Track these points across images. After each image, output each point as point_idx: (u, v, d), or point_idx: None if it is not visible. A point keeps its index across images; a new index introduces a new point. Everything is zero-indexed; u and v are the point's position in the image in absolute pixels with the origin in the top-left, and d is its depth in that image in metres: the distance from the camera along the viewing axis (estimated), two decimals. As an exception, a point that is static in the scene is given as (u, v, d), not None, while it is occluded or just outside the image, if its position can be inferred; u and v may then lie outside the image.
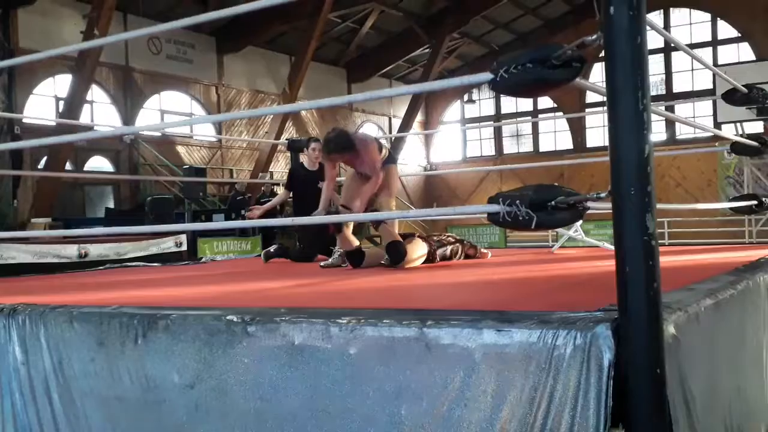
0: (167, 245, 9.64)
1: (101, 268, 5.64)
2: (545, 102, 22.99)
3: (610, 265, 1.61)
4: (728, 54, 20.26)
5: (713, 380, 2.06)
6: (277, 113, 18.05)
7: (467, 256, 4.72)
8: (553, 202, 1.75)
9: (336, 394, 1.80)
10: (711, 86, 18.79)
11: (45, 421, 2.27)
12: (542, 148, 23.45)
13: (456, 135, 24.95)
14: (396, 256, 4.15)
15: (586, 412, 1.52)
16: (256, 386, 1.90)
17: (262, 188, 15.38)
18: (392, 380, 1.73)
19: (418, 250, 4.31)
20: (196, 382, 1.99)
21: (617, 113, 1.55)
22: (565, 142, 22.96)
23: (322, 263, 4.65)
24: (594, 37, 1.66)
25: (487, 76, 1.82)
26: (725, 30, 20.61)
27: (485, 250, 4.99)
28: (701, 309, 1.97)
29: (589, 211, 1.84)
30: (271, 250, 5.75)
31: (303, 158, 6.32)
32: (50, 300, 2.57)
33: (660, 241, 1.74)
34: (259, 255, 7.31)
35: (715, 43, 20.72)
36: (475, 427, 1.63)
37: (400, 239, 4.26)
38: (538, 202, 1.75)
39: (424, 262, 4.35)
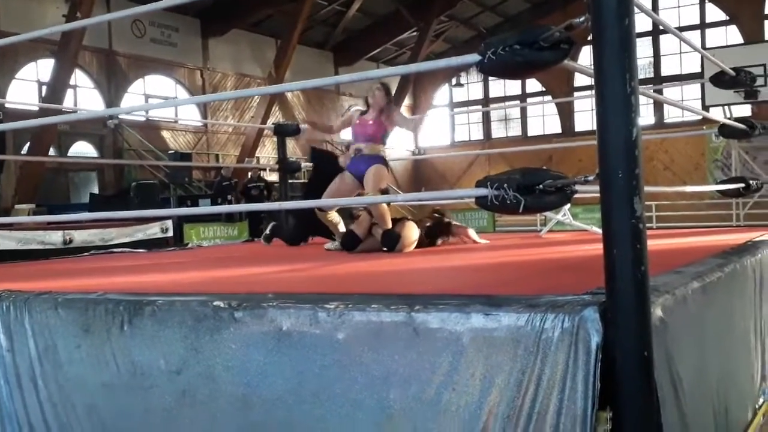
0: (153, 231, 9.59)
1: (86, 254, 5.60)
2: (534, 86, 22.96)
3: (598, 248, 1.61)
4: (716, 37, 20.30)
5: (701, 362, 2.07)
6: (262, 94, 17.92)
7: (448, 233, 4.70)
8: (540, 186, 1.74)
9: (324, 379, 1.79)
10: (699, 69, 18.81)
11: (31, 407, 2.25)
12: (531, 132, 23.45)
13: (444, 119, 24.90)
14: (389, 243, 4.20)
15: (573, 394, 1.52)
16: (244, 372, 1.89)
17: (249, 173, 15.32)
18: (380, 365, 1.73)
19: (411, 234, 4.35)
20: (183, 368, 1.98)
21: (605, 96, 1.55)
22: (554, 126, 22.97)
23: (326, 246, 4.65)
24: (582, 18, 1.65)
25: (475, 57, 1.80)
26: (713, 13, 20.63)
27: (472, 235, 4.91)
28: (689, 292, 1.97)
29: (577, 195, 1.84)
30: (267, 232, 5.72)
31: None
32: (35, 286, 2.54)
33: (648, 225, 1.73)
34: (247, 240, 7.27)
35: (703, 26, 20.74)
36: (464, 411, 1.63)
37: (390, 228, 4.30)
38: (525, 186, 1.75)
39: (415, 247, 4.37)
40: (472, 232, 4.86)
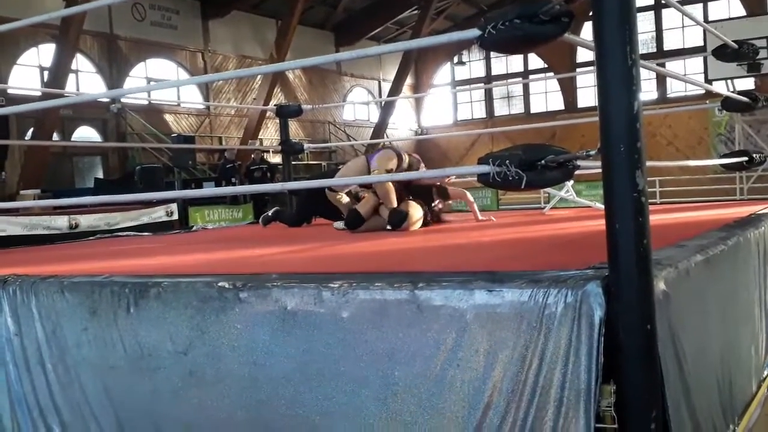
0: (158, 215, 9.61)
1: (92, 238, 5.61)
2: (536, 62, 22.83)
3: (602, 224, 1.61)
4: (719, 10, 20.12)
5: (704, 335, 2.07)
6: (263, 73, 17.86)
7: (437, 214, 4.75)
8: (542, 161, 1.74)
9: (329, 357, 1.80)
10: (701, 43, 18.68)
11: (40, 391, 2.27)
12: (533, 110, 23.36)
13: (446, 98, 24.80)
14: (396, 220, 4.22)
15: (577, 369, 1.52)
16: (250, 351, 1.91)
17: (252, 155, 15.30)
18: (385, 343, 1.74)
19: (416, 213, 4.38)
20: (190, 348, 2.00)
21: (606, 69, 1.54)
22: (557, 102, 22.87)
23: (335, 224, 4.70)
24: (582, -9, 1.64)
25: (475, 32, 1.79)
26: (716, -15, 20.45)
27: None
28: (692, 265, 1.97)
29: (580, 172, 1.83)
30: (269, 213, 5.75)
31: None
32: (41, 270, 2.55)
33: (651, 200, 1.73)
34: (251, 222, 7.28)
35: (705, -2, 20.56)
36: (468, 387, 1.64)
37: (396, 206, 4.34)
38: (527, 162, 1.74)
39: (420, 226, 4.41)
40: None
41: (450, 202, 4.92)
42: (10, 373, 2.34)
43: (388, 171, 4.50)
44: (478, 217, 4.86)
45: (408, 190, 4.59)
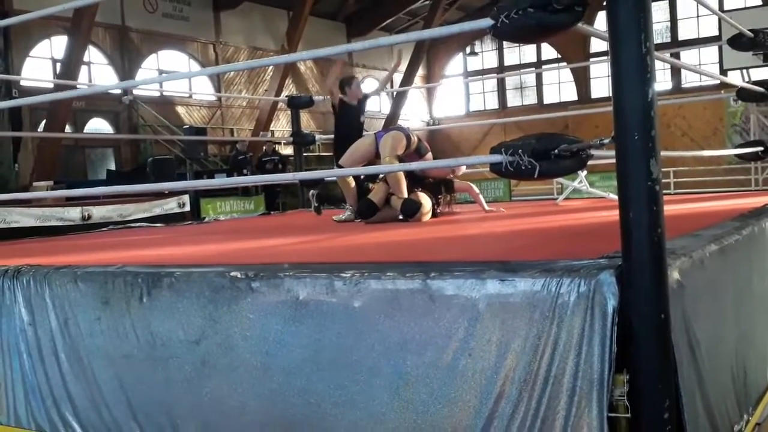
0: (170, 206, 9.64)
1: (104, 229, 5.64)
2: (549, 53, 22.69)
3: (615, 214, 1.60)
4: (734, -1, 19.91)
5: (719, 325, 2.06)
6: (274, 64, 17.81)
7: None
8: (556, 151, 1.73)
9: (341, 347, 1.80)
10: (717, 33, 18.51)
11: (53, 380, 2.29)
12: (546, 100, 23.22)
13: (459, 88, 24.70)
14: (410, 210, 4.21)
15: (590, 358, 1.52)
16: (262, 341, 1.91)
17: (264, 147, 15.32)
18: (397, 332, 1.74)
19: (426, 204, 4.37)
20: (202, 338, 2.00)
21: (620, 57, 1.52)
22: (570, 93, 22.72)
23: (334, 217, 4.66)
24: (596, -22, 1.62)
25: (488, 22, 1.78)
26: (731, -26, 20.22)
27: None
28: (706, 254, 1.96)
29: (593, 162, 1.82)
30: (316, 203, 5.09)
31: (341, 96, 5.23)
32: (54, 261, 2.57)
33: (665, 191, 1.72)
34: (263, 213, 7.27)
35: (721, -13, 20.34)
36: (480, 376, 1.64)
37: (406, 197, 4.33)
38: (541, 151, 1.73)
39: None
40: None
41: (456, 195, 4.88)
42: (24, 362, 2.36)
43: (398, 157, 4.47)
44: (485, 208, 4.81)
45: (416, 180, 4.56)
